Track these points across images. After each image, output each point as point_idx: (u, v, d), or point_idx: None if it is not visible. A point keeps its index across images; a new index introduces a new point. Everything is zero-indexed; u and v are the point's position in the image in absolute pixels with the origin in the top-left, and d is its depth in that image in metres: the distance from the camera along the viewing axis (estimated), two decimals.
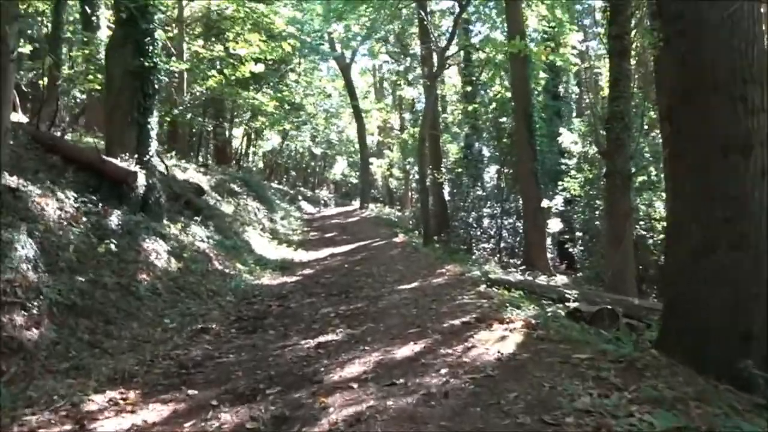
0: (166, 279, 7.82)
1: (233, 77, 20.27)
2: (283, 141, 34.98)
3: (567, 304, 6.55)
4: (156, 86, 9.38)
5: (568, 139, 14.01)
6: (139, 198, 8.77)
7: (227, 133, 28.45)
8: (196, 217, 11.37)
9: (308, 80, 30.74)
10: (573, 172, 14.69)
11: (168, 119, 17.97)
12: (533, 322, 4.88)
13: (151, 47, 9.28)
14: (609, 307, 5.78)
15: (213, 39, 20.45)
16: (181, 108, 19.11)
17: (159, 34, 9.82)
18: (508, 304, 5.88)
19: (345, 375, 4.03)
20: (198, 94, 20.26)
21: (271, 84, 24.91)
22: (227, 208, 15.06)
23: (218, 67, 20.64)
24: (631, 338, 4.73)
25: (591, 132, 12.77)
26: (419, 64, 23.72)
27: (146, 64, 9.13)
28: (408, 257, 12.31)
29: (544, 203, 13.76)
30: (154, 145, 9.38)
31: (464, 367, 3.85)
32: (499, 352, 4.10)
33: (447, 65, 17.64)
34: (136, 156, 8.94)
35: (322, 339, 5.37)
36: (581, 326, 5.18)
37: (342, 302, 7.53)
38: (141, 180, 8.79)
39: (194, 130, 26.19)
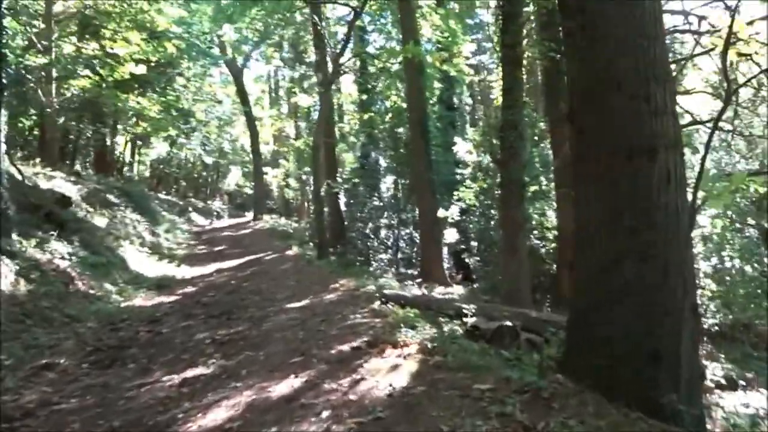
0: (8, 305, 6.65)
1: (111, 78, 18.72)
2: (171, 149, 33.03)
3: (465, 320, 6.19)
4: (3, 81, 8.12)
5: (462, 148, 13.97)
6: None
7: (107, 139, 26.38)
8: (57, 232, 10.04)
9: (197, 85, 29.27)
10: (468, 182, 14.65)
11: (28, 122, 15.98)
12: (429, 346, 4.41)
13: None
14: (508, 324, 5.46)
15: (88, 37, 18.69)
16: (48, 110, 17.24)
17: (7, 22, 8.54)
18: (402, 324, 5.40)
19: (206, 424, 3.32)
20: (69, 95, 18.40)
21: (158, 88, 23.34)
22: (100, 220, 13.62)
23: (95, 67, 18.99)
24: (533, 359, 4.37)
25: (485, 141, 12.77)
26: (314, 71, 23.13)
27: None
28: (301, 271, 11.63)
29: (440, 213, 13.58)
30: (1, 149, 8.08)
31: (350, 407, 3.27)
32: (391, 385, 3.57)
33: (342, 72, 17.19)
34: None
35: (189, 373, 4.59)
36: (480, 347, 4.79)
37: (222, 325, 6.73)
38: None
39: (70, 136, 24.01)
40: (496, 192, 12.58)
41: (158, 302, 9.04)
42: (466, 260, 14.78)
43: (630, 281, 3.33)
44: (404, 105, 19.15)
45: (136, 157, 33.69)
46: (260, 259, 14.50)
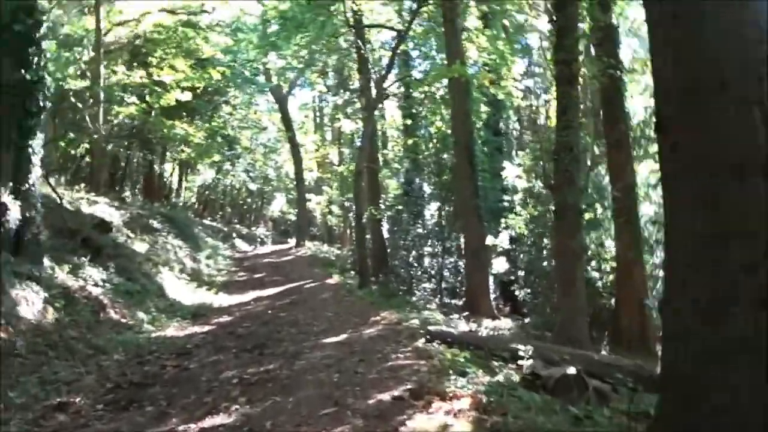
0: (32, 334, 6.30)
1: (157, 105, 18.89)
2: (217, 175, 33.25)
3: (521, 363, 5.49)
4: (42, 104, 7.95)
5: (512, 173, 13.26)
6: (10, 235, 7.24)
7: (156, 166, 26.70)
8: (92, 257, 9.80)
9: (243, 113, 29.49)
10: (518, 209, 13.87)
11: (71, 148, 15.96)
12: (484, 400, 3.75)
13: (36, 58, 7.88)
14: (574, 370, 4.74)
15: (136, 65, 18.95)
16: (96, 136, 17.40)
17: (47, 44, 8.44)
18: (451, 370, 4.76)
19: None
20: (117, 122, 18.60)
21: (205, 116, 23.54)
22: (140, 246, 13.43)
23: (143, 94, 19.22)
24: (605, 415, 3.65)
25: (536, 165, 12.06)
26: (358, 97, 22.89)
27: (28, 77, 7.71)
28: (341, 302, 11.09)
29: (489, 240, 12.85)
30: (36, 173, 7.88)
31: None
32: None
33: (385, 96, 16.80)
34: (10, 185, 7.43)
35: (208, 422, 4.06)
36: (543, 399, 4.09)
37: (253, 361, 6.21)
38: (14, 213, 7.27)
39: (121, 163, 24.33)
40: (548, 220, 11.81)
41: (191, 333, 8.62)
42: (516, 292, 13.91)
43: (745, 333, 2.62)
44: (449, 131, 18.73)
45: (184, 184, 34.11)
46: (300, 287, 14.04)
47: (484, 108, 17.08)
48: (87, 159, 21.54)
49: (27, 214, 7.47)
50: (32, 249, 7.46)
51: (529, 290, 13.11)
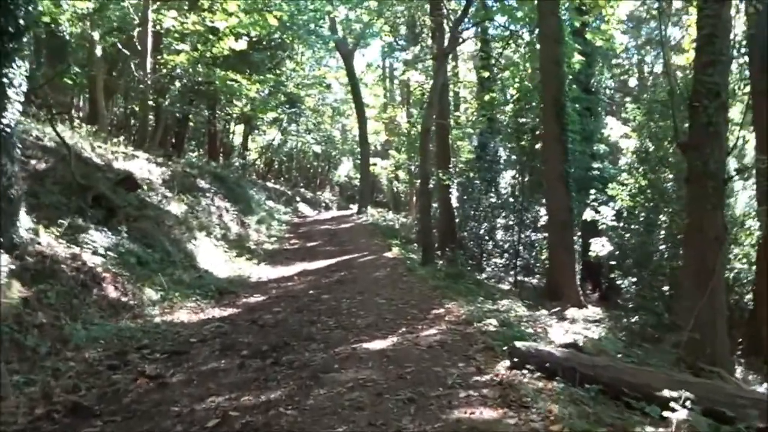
0: None
1: (209, 55, 17.28)
2: (281, 135, 31.75)
3: (673, 415, 3.33)
4: (22, 23, 6.20)
5: (617, 131, 10.64)
6: None
7: (216, 124, 25.37)
8: (102, 219, 8.20)
9: (307, 70, 27.73)
10: (624, 176, 11.21)
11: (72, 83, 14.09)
12: None
13: None
14: None
15: (186, 7, 17.35)
16: (142, 87, 16.01)
17: None
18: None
19: None
20: (166, 71, 17.10)
21: (266, 71, 21.83)
22: (176, 207, 11.89)
23: (195, 43, 17.68)
24: None
25: (651, 120, 9.45)
26: (429, 48, 20.50)
27: None
28: (397, 283, 9.09)
29: (587, 215, 10.42)
30: (13, 109, 6.18)
31: None
32: None
33: (461, 40, 14.42)
34: None
35: None
36: None
37: (258, 379, 4.33)
38: None
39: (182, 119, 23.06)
40: (669, 189, 9.28)
41: (205, 318, 6.88)
42: (618, 280, 11.37)
43: None
44: (532, 86, 16.18)
45: (250, 145, 32.94)
46: (353, 261, 12.15)
47: (578, 57, 14.34)
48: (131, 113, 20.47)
49: None
50: (1, 206, 5.80)
51: (634, 279, 10.57)
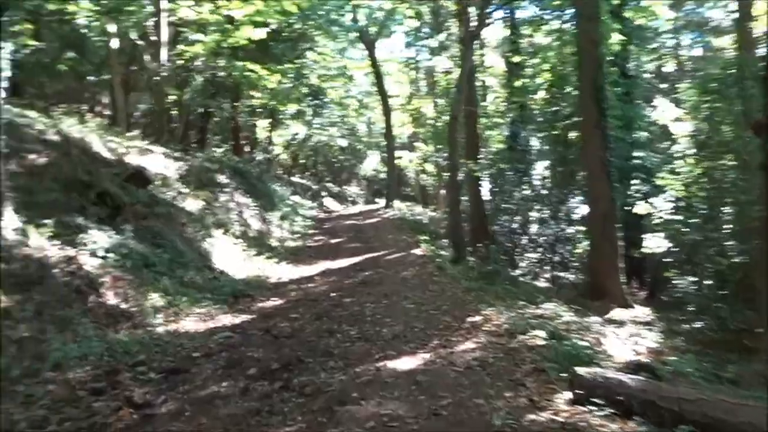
0: None
1: (227, 45, 16.65)
2: (306, 129, 31.07)
3: None
4: (4, 1, 5.58)
5: (670, 113, 9.60)
6: None
7: (237, 118, 24.82)
8: (106, 217, 7.57)
9: (330, 62, 26.93)
10: (680, 164, 10.11)
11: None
12: None
13: None
14: None
15: None
16: (157, 78, 15.45)
17: None
18: None
19: None
20: (183, 63, 16.51)
21: (286, 62, 21.15)
22: (192, 203, 11.26)
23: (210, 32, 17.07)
24: None
25: (706, 101, 8.43)
26: (456, 36, 19.57)
27: None
28: (426, 284, 8.29)
29: (641, 208, 9.46)
30: None
31: None
32: None
33: (488, 23, 13.50)
34: None
35: None
36: None
37: (262, 412, 3.60)
38: None
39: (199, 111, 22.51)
40: (722, 180, 8.29)
41: (214, 327, 6.19)
42: (676, 281, 10.31)
43: None
44: (566, 70, 15.18)
45: (275, 139, 32.37)
46: (379, 259, 11.37)
47: (618, 36, 13.31)
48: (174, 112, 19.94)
49: None
50: None
51: (696, 281, 9.46)
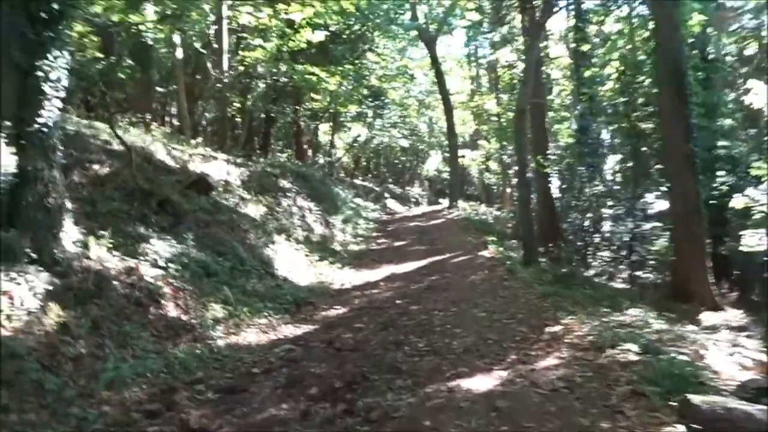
0: None
1: (286, 49, 16.60)
2: (368, 131, 30.93)
3: None
4: (56, 7, 5.47)
5: (763, 95, 8.67)
6: None
7: (301, 122, 24.93)
8: (168, 226, 7.48)
9: (390, 62, 26.63)
10: None
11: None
12: None
13: None
14: None
15: (261, 2, 16.75)
16: (219, 86, 15.57)
17: None
18: None
19: None
20: (244, 68, 16.58)
21: (350, 64, 21.02)
22: (254, 209, 11.17)
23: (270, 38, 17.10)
24: None
25: None
26: (518, 29, 18.84)
27: None
28: (496, 289, 7.78)
29: (738, 201, 8.62)
30: (52, 107, 5.46)
31: None
32: None
33: (555, 10, 12.80)
34: (9, 124, 5.09)
35: None
36: None
37: None
38: (5, 166, 4.93)
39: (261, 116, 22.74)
40: None
41: (276, 339, 5.94)
42: None
43: None
44: (640, 58, 14.25)
45: (337, 142, 32.42)
46: (445, 262, 10.93)
47: (699, 17, 12.33)
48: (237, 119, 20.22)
49: (29, 168, 5.09)
50: (37, 218, 5.08)
51: None
